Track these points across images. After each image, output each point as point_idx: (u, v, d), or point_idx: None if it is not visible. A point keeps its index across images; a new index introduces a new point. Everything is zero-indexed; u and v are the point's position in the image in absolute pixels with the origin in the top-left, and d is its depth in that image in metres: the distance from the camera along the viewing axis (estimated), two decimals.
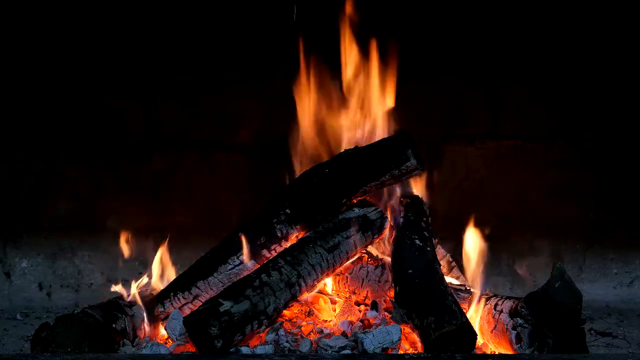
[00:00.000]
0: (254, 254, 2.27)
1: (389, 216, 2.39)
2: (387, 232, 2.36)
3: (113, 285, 2.36)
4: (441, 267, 2.24)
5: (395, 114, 2.52)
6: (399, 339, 1.97)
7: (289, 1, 2.96)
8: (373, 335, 1.96)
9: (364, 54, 2.59)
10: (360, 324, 2.16)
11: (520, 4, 3.03)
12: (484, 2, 3.03)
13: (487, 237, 2.37)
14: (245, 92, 3.10)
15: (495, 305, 2.10)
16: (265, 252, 2.28)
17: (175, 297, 2.27)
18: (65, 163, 3.11)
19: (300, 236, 2.28)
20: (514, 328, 1.97)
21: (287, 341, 2.04)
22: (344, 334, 2.07)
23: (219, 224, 2.74)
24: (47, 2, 2.98)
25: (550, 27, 3.06)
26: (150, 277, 2.41)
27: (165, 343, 2.15)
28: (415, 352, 2.00)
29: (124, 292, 2.30)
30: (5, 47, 3.02)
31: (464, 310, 2.02)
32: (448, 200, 3.04)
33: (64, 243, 3.15)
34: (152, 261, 2.46)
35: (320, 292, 2.34)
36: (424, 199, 2.56)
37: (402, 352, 1.97)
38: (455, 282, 2.43)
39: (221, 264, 2.28)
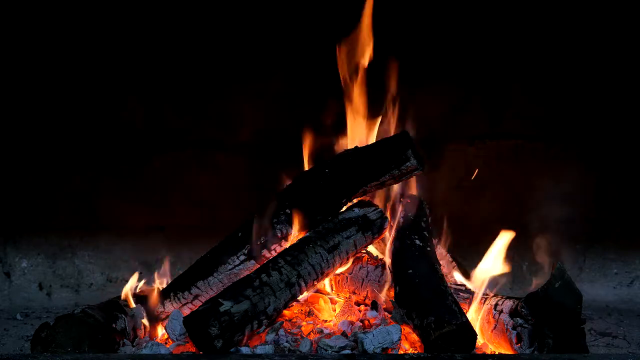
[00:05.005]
0: (254, 254, 2.27)
1: (389, 216, 2.39)
2: (387, 232, 2.36)
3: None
4: (441, 267, 2.24)
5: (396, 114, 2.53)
6: (399, 339, 1.97)
7: (287, 4, 2.97)
8: (373, 335, 1.96)
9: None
10: (360, 324, 2.16)
11: (521, 6, 3.03)
12: (485, 4, 3.03)
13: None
14: (245, 92, 3.10)
15: (495, 305, 2.10)
16: (265, 252, 2.28)
17: (175, 297, 2.27)
18: (66, 163, 3.10)
19: (300, 236, 2.29)
20: (514, 328, 1.98)
21: (287, 341, 2.04)
22: (344, 334, 2.07)
23: (218, 223, 2.74)
24: (49, 4, 2.98)
25: (550, 28, 3.06)
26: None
27: (165, 343, 2.15)
28: (415, 352, 2.00)
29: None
30: (9, 48, 3.02)
31: (464, 310, 2.02)
32: (448, 200, 3.04)
33: (64, 243, 3.15)
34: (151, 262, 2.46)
35: (320, 292, 2.35)
36: (424, 199, 2.56)
37: (402, 352, 1.97)
38: (455, 281, 2.43)
39: (221, 264, 2.28)
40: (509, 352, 2.00)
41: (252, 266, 2.26)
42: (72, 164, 3.11)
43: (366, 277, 2.32)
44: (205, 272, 2.28)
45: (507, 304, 2.06)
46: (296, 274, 2.09)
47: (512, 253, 3.09)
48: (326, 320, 2.24)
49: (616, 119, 3.13)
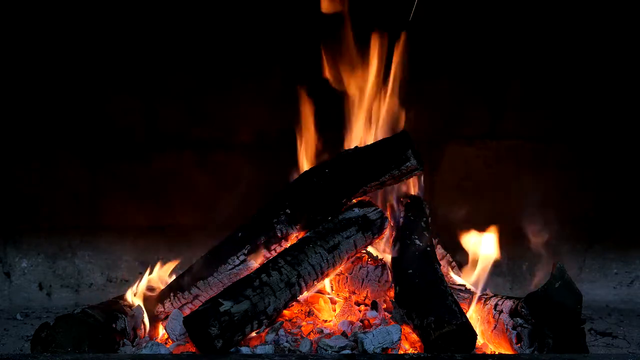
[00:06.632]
0: (254, 254, 2.27)
1: (389, 216, 2.39)
2: (387, 232, 2.36)
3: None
4: (441, 267, 2.24)
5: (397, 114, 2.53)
6: (399, 339, 1.97)
7: (287, 3, 2.97)
8: (373, 335, 1.96)
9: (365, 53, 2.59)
10: (360, 324, 2.16)
11: (521, 6, 3.04)
12: (485, 4, 3.03)
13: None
14: (245, 92, 3.10)
15: (495, 305, 2.10)
16: (265, 252, 2.28)
17: (175, 297, 2.27)
18: (65, 163, 3.10)
19: (300, 236, 2.28)
20: (514, 328, 1.98)
21: (287, 341, 2.04)
22: (344, 334, 2.07)
23: (218, 224, 2.74)
24: (48, 1, 2.99)
25: (550, 28, 3.06)
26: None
27: (165, 343, 2.15)
28: (415, 352, 2.00)
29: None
30: (7, 47, 3.02)
31: (464, 310, 2.02)
32: (448, 200, 3.04)
33: (64, 243, 3.15)
34: (152, 262, 2.46)
35: (320, 292, 2.35)
36: (424, 199, 2.56)
37: (402, 352, 1.97)
38: (455, 281, 2.43)
39: (221, 264, 2.28)
40: (509, 352, 2.00)
41: (252, 266, 2.26)
42: (72, 164, 3.11)
43: (366, 277, 2.32)
44: (205, 272, 2.28)
45: (507, 304, 2.06)
46: (296, 274, 2.09)
47: (512, 253, 3.13)
48: (326, 320, 2.25)
49: (616, 119, 3.13)
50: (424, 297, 2.02)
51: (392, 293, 2.21)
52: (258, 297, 2.00)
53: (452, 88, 3.11)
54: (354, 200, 2.36)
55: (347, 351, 1.96)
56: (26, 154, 3.10)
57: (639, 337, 2.59)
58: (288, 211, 2.30)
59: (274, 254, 2.26)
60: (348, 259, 2.27)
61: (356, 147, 2.38)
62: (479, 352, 2.05)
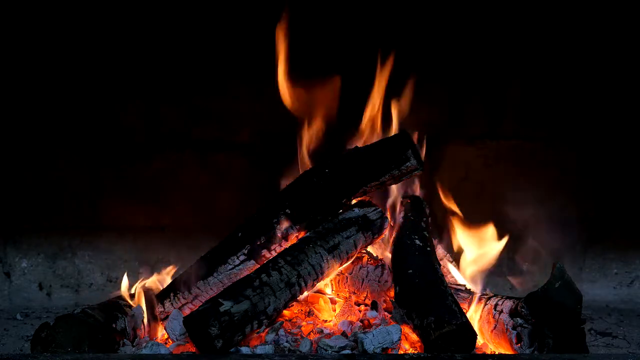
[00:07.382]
0: (254, 254, 2.28)
1: (389, 216, 2.39)
2: (387, 232, 2.36)
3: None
4: (441, 267, 2.24)
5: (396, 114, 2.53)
6: (399, 339, 1.97)
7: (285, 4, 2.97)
8: (373, 335, 1.96)
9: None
10: (360, 324, 2.16)
11: (520, 5, 3.04)
12: (484, 3, 3.03)
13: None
14: (245, 92, 3.10)
15: (495, 305, 2.10)
16: (265, 252, 2.28)
17: (175, 297, 2.27)
18: (66, 163, 3.10)
19: (300, 236, 2.29)
20: (514, 328, 1.98)
21: (287, 341, 2.04)
22: (344, 334, 2.07)
23: (218, 223, 2.74)
24: (49, 3, 2.99)
25: (550, 28, 3.06)
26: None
27: (165, 343, 2.15)
28: (415, 352, 2.00)
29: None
30: (8, 48, 3.02)
31: (464, 310, 2.02)
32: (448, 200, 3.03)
33: (64, 243, 3.14)
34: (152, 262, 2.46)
35: (320, 292, 2.35)
36: (424, 199, 2.56)
37: (402, 352, 1.97)
38: (456, 281, 2.44)
39: (221, 264, 2.28)
40: (509, 352, 2.00)
41: (252, 266, 2.26)
42: (72, 164, 3.11)
43: (366, 277, 2.32)
44: (205, 272, 2.28)
45: (507, 304, 2.06)
46: (296, 274, 2.10)
47: (512, 253, 3.13)
48: (326, 320, 2.25)
49: (616, 118, 3.13)
50: (424, 297, 2.02)
51: (392, 293, 2.21)
52: (258, 297, 2.00)
53: (452, 88, 3.11)
54: (354, 200, 2.36)
55: (347, 351, 1.96)
56: (26, 153, 3.10)
57: (639, 337, 2.59)
58: (288, 211, 2.30)
59: (274, 254, 2.26)
60: (348, 259, 2.28)
61: (356, 147, 2.38)
62: (479, 352, 2.05)
